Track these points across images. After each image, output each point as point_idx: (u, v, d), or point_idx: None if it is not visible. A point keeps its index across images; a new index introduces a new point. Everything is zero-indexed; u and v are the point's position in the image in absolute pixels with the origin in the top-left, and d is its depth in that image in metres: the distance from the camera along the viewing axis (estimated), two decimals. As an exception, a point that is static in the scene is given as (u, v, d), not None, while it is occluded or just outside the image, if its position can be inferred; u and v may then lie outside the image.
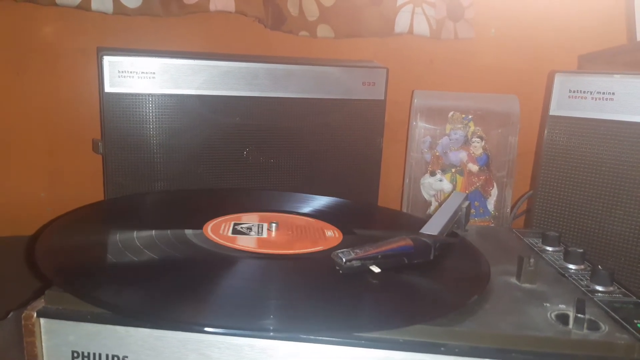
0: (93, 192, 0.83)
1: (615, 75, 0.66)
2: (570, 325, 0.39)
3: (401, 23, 0.92)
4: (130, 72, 0.70)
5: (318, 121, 0.79)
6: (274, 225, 0.54)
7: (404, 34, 0.92)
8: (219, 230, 0.53)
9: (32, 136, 0.85)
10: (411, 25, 0.92)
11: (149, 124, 0.72)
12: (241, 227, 0.55)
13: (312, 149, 0.80)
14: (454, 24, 0.94)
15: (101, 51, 0.70)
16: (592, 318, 0.41)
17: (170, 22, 0.85)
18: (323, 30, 0.90)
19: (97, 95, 0.70)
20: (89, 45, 0.81)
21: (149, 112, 0.72)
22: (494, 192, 0.88)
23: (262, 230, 0.54)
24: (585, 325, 0.39)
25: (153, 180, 0.73)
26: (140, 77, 0.71)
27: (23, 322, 0.37)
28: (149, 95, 0.71)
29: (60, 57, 0.83)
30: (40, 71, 0.83)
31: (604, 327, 0.40)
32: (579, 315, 0.39)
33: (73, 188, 0.87)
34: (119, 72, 0.70)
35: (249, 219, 0.58)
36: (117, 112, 0.70)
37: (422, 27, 0.92)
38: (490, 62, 0.97)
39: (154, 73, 0.71)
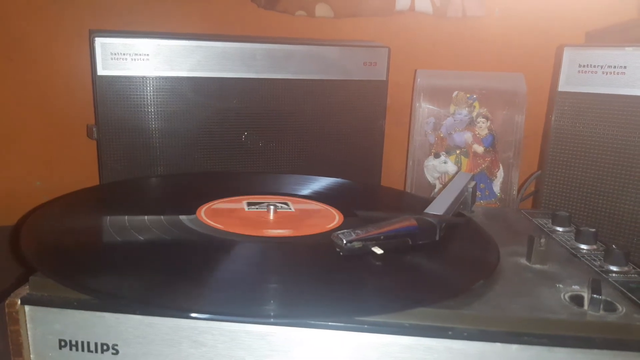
0: (89, 179, 0.81)
1: (627, 48, 0.63)
2: (586, 307, 0.37)
3: (402, 0, 0.89)
4: (123, 54, 0.68)
5: (318, 103, 0.77)
6: (272, 207, 0.52)
7: (405, 11, 0.89)
8: (214, 214, 0.51)
9: (26, 123, 0.83)
10: (412, 1, 0.89)
11: (144, 107, 0.70)
12: (238, 210, 0.53)
13: (312, 131, 0.78)
14: (462, 0, 0.91)
15: (93, 33, 0.68)
16: (608, 299, 0.39)
17: (162, 3, 0.83)
18: (322, 10, 0.87)
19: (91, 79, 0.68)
20: (82, 28, 0.79)
21: (143, 95, 0.70)
22: (500, 173, 0.86)
23: (260, 212, 0.52)
24: (601, 306, 0.37)
25: (149, 165, 0.71)
26: (133, 59, 0.69)
27: (6, 310, 0.35)
28: (143, 77, 0.69)
29: (53, 42, 0.81)
30: (33, 56, 0.81)
31: (621, 309, 0.38)
32: (595, 296, 0.37)
33: (69, 175, 0.86)
34: (111, 54, 0.68)
35: (246, 201, 0.56)
36: (110, 95, 0.69)
37: (424, 4, 0.89)
38: (495, 39, 0.94)
39: (147, 55, 0.69)
